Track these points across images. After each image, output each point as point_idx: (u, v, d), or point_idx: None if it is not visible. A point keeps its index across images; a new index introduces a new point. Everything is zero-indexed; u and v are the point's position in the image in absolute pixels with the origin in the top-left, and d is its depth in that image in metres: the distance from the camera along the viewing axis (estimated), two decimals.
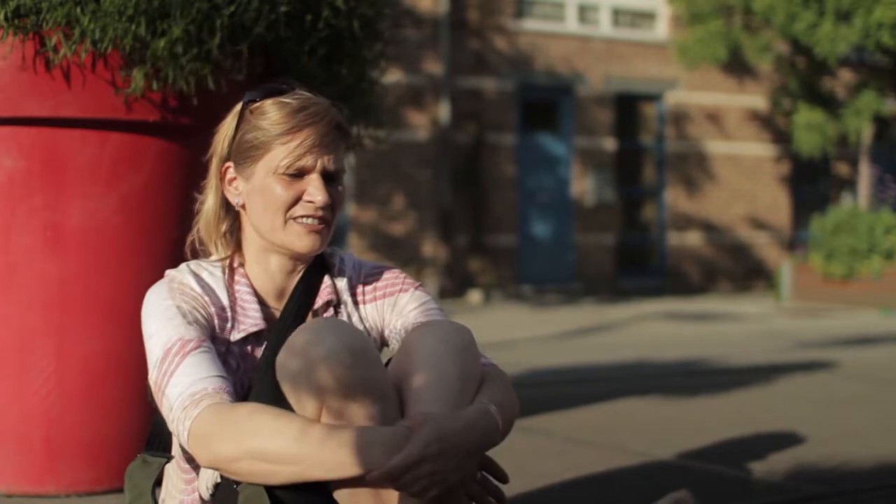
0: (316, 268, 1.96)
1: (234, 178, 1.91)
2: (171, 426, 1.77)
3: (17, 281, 2.75)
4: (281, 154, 1.84)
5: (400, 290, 1.99)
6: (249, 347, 1.90)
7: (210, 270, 1.92)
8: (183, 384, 1.75)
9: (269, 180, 1.85)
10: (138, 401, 2.83)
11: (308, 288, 1.94)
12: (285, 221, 1.86)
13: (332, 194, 1.87)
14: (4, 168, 2.73)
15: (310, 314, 1.93)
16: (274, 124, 1.84)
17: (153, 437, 1.99)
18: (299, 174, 1.85)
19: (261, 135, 1.85)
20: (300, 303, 1.92)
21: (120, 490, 2.54)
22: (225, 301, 1.89)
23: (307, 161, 1.84)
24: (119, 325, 2.79)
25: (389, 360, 1.85)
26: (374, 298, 1.99)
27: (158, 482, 1.97)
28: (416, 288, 2.01)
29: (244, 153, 1.88)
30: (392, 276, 2.01)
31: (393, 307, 1.98)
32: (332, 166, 1.87)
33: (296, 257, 1.92)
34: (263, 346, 1.89)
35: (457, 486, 1.70)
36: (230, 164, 1.91)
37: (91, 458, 2.80)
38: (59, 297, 2.75)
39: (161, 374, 1.78)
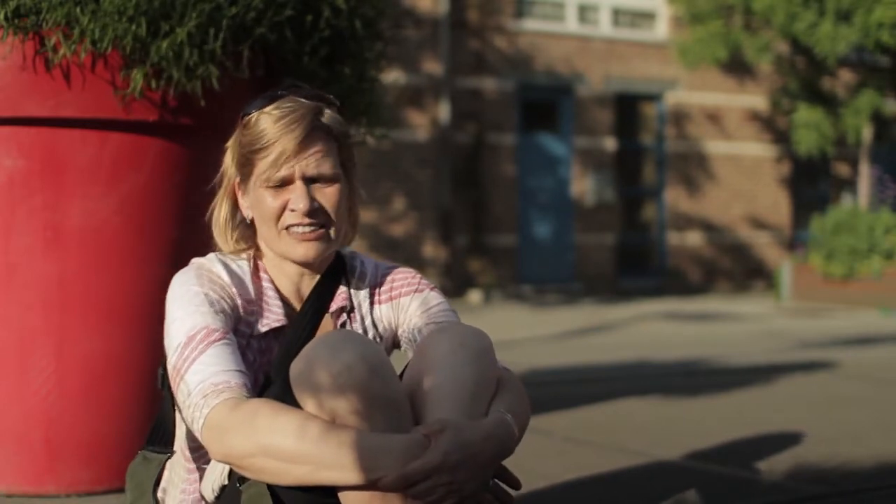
0: (333, 271, 1.98)
1: (244, 194, 1.95)
2: (186, 412, 1.77)
3: (17, 281, 2.75)
4: (263, 167, 1.87)
5: (415, 291, 2.01)
6: (268, 343, 1.92)
7: (238, 263, 1.95)
8: (205, 372, 1.76)
9: (259, 192, 1.89)
10: (138, 401, 2.83)
11: (323, 293, 1.95)
12: (279, 232, 1.89)
13: (320, 198, 1.88)
14: (4, 168, 2.72)
15: (326, 316, 1.95)
16: (254, 139, 1.88)
17: (155, 431, 1.99)
18: (283, 184, 1.88)
19: (246, 150, 1.89)
20: (315, 306, 1.94)
21: (120, 490, 2.54)
22: (251, 294, 1.92)
23: (285, 171, 1.87)
24: (119, 325, 2.79)
25: (405, 368, 1.85)
26: (390, 298, 2.01)
27: (158, 481, 1.97)
28: (431, 289, 2.02)
29: (241, 168, 1.93)
30: (408, 277, 2.03)
31: (407, 307, 2.00)
32: (313, 171, 1.88)
33: (301, 265, 1.93)
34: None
35: (470, 495, 1.70)
36: (237, 179, 1.95)
37: (91, 458, 2.79)
38: (59, 297, 2.75)
39: (182, 359, 1.79)
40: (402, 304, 2.00)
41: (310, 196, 1.87)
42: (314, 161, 1.87)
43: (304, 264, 1.93)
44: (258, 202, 1.90)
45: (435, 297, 2.01)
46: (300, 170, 1.86)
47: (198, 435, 1.75)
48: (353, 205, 1.99)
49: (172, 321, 1.84)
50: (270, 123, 1.86)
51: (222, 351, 1.79)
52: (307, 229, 1.88)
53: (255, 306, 1.91)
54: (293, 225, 1.88)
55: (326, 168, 1.88)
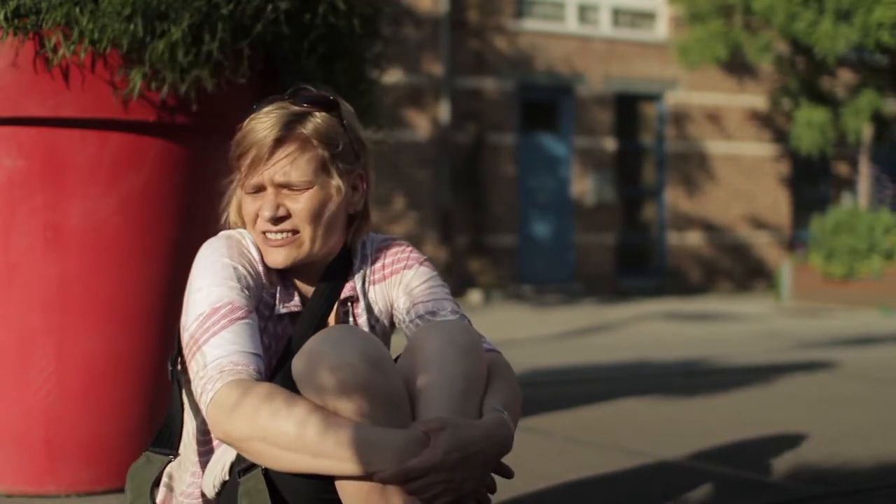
0: (341, 262, 1.99)
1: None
2: (197, 383, 1.78)
3: (17, 281, 2.75)
4: (243, 171, 1.91)
5: (405, 267, 2.01)
6: (283, 328, 1.94)
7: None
8: (225, 349, 1.77)
9: (243, 196, 1.94)
10: (138, 401, 2.83)
11: (330, 285, 1.96)
12: (258, 236, 1.92)
13: (290, 204, 1.89)
14: (4, 168, 2.72)
15: (335, 306, 1.97)
16: (237, 143, 1.91)
17: (162, 432, 2.00)
18: (257, 189, 1.91)
19: (232, 154, 1.93)
20: (323, 298, 1.95)
21: (120, 490, 2.54)
22: (274, 276, 1.94)
23: (256, 178, 1.89)
24: (119, 325, 2.79)
25: (397, 358, 1.86)
26: (383, 278, 2.02)
27: (157, 482, 1.98)
28: (422, 263, 2.03)
29: (234, 171, 1.96)
30: (398, 251, 2.04)
31: (399, 283, 2.00)
32: (281, 178, 1.88)
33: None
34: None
35: (468, 493, 1.71)
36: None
37: (91, 458, 2.79)
38: (59, 297, 2.75)
39: (202, 329, 1.80)
40: (395, 281, 2.01)
41: (276, 203, 1.89)
42: (281, 168, 1.88)
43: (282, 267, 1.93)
44: (243, 206, 1.94)
45: (427, 272, 2.01)
46: (269, 176, 1.88)
47: (203, 408, 1.76)
48: (350, 204, 1.97)
49: (197, 290, 1.85)
50: (250, 129, 1.89)
51: (244, 330, 1.80)
52: (276, 236, 1.90)
53: (274, 288, 1.93)
54: (265, 231, 1.90)
55: (296, 175, 1.89)
